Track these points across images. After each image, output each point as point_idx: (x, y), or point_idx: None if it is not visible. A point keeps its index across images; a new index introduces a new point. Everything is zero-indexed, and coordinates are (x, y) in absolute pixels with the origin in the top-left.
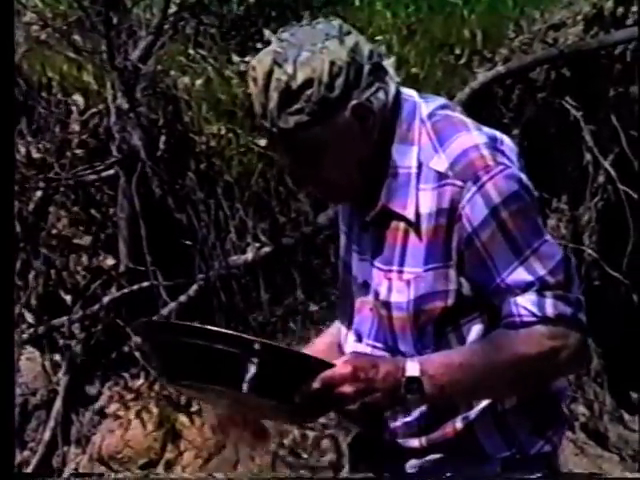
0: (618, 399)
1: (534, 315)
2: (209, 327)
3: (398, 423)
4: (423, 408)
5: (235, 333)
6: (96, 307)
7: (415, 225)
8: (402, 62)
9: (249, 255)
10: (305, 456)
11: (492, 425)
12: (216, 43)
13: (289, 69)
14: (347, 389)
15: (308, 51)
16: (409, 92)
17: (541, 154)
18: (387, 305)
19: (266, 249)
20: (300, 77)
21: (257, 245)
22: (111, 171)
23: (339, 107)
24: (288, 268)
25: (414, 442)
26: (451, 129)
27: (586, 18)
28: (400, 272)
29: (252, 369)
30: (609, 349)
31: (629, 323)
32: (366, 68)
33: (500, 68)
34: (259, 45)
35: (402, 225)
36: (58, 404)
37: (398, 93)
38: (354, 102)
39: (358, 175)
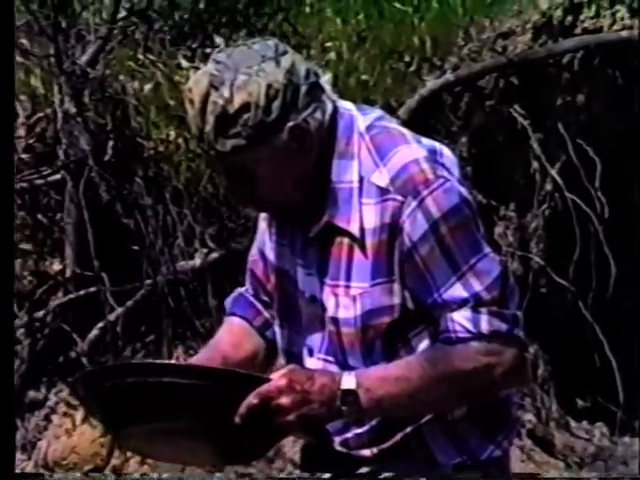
0: (564, 406)
1: (469, 331)
2: (146, 361)
3: (349, 434)
4: (373, 421)
5: (170, 363)
6: (42, 312)
7: (360, 240)
8: (352, 69)
9: (197, 261)
10: (254, 462)
11: (442, 434)
12: (165, 48)
13: (225, 93)
14: (283, 400)
15: (244, 74)
16: (346, 105)
17: (489, 162)
18: (335, 321)
19: (214, 255)
20: (237, 101)
21: (205, 251)
22: (58, 176)
23: (276, 129)
24: (236, 274)
25: (365, 452)
26: (390, 142)
27: (535, 27)
28: (347, 287)
29: (190, 396)
30: (555, 356)
31: (575, 330)
32: (303, 89)
33: (449, 76)
34: (208, 50)
35: (346, 240)
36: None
37: (335, 109)
38: (291, 124)
39: (298, 193)
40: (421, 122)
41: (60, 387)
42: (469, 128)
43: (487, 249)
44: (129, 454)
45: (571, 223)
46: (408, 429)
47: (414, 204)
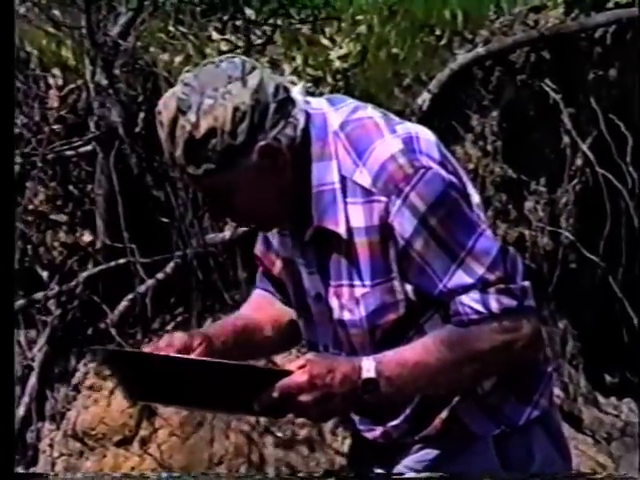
0: (593, 382)
1: (479, 313)
2: (164, 354)
3: (388, 427)
4: (407, 410)
5: (190, 357)
6: (73, 283)
7: (349, 241)
8: (382, 42)
9: (227, 233)
10: (279, 435)
11: (476, 408)
12: (196, 20)
13: (192, 118)
14: (305, 398)
15: (210, 97)
16: (317, 103)
17: (520, 136)
18: (342, 323)
19: (244, 227)
20: (203, 127)
21: (234, 224)
22: (89, 147)
23: (245, 151)
24: None
25: (407, 440)
26: (366, 138)
27: (567, 1)
28: (351, 286)
29: (211, 387)
30: (585, 332)
31: (605, 306)
32: (271, 107)
33: (480, 50)
34: (239, 23)
35: (340, 241)
36: (33, 380)
37: (307, 117)
38: (261, 144)
39: (280, 204)
40: (452, 96)
41: (89, 358)
42: (500, 102)
43: (481, 226)
44: (157, 425)
45: (602, 198)
46: (443, 413)
47: (399, 202)
